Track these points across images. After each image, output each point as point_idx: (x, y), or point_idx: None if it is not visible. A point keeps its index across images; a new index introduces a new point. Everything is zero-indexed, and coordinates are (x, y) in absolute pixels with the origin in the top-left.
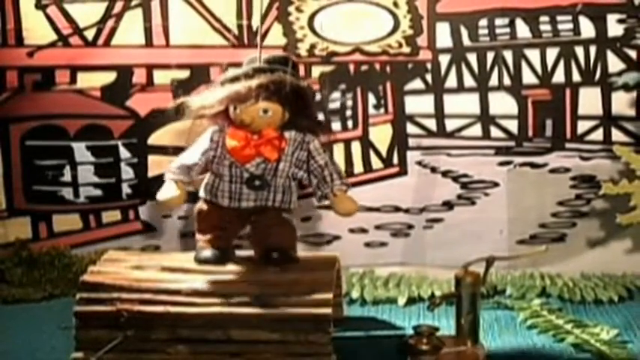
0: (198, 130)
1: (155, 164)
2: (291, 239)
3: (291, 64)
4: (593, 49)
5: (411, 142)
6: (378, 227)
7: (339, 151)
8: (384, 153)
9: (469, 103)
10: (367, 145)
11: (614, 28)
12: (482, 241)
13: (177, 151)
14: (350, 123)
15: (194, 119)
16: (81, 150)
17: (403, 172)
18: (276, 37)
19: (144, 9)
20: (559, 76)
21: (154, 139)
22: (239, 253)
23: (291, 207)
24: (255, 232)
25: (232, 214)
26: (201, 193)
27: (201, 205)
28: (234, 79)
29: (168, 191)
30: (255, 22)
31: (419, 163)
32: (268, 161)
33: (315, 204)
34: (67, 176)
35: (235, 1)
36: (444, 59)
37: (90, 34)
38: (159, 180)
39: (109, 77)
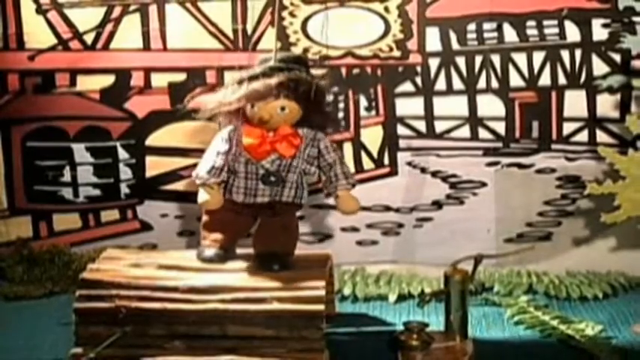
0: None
1: (153, 165)
2: (292, 246)
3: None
4: (578, 53)
5: (402, 143)
6: (369, 226)
7: None
8: (375, 154)
9: (458, 106)
10: (359, 146)
11: (599, 32)
12: (470, 239)
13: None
14: (342, 124)
15: (208, 119)
16: (80, 151)
17: (394, 172)
18: (269, 41)
19: (142, 14)
20: (545, 79)
21: (152, 140)
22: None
23: (303, 202)
24: (260, 233)
25: (243, 212)
26: None
27: None
28: (253, 78)
29: (202, 196)
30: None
31: (409, 163)
32: (283, 158)
33: (308, 203)
34: (67, 176)
35: (230, 6)
36: (434, 62)
37: (89, 39)
38: (157, 180)
39: (108, 80)
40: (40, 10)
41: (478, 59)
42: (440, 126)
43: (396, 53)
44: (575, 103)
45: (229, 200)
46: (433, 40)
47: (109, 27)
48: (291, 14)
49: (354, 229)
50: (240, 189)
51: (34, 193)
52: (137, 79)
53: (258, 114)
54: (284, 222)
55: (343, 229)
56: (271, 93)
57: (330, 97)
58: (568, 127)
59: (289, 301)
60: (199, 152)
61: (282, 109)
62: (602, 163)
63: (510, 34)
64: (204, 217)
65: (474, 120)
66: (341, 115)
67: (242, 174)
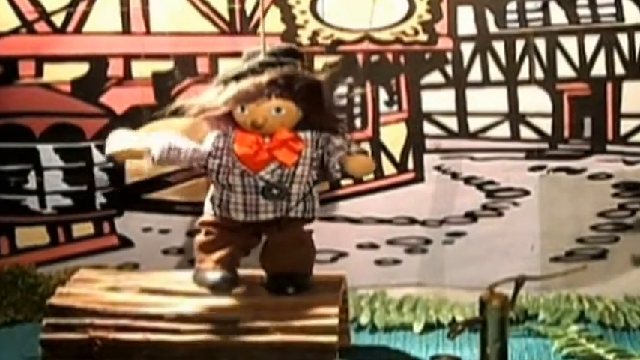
0: (199, 136)
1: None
2: (308, 263)
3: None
4: (638, 37)
5: (429, 144)
6: (390, 242)
7: None
8: (397, 157)
9: (496, 99)
10: (378, 147)
11: None
12: (510, 258)
13: None
14: (358, 122)
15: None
16: (48, 153)
17: (419, 178)
18: (272, 23)
19: None
20: (599, 68)
21: None
22: None
23: (314, 216)
24: (268, 251)
25: (243, 230)
26: (208, 209)
27: (207, 221)
28: (240, 76)
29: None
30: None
31: (438, 168)
32: (284, 166)
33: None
34: (32, 183)
35: None
36: (467, 48)
37: (59, 20)
38: (138, 188)
39: (81, 69)
40: None
41: (520, 44)
42: (474, 124)
43: (423, 37)
44: (634, 96)
45: (228, 219)
46: (466, 21)
47: (82, 6)
48: None
49: (373, 246)
50: (239, 206)
51: None
52: (115, 68)
53: (250, 117)
54: (294, 237)
55: (360, 246)
56: (262, 92)
57: (340, 91)
58: (626, 125)
59: (296, 332)
60: None
61: (278, 110)
62: None
63: (558, 15)
64: (200, 237)
65: (515, 116)
66: (357, 111)
67: (239, 188)
